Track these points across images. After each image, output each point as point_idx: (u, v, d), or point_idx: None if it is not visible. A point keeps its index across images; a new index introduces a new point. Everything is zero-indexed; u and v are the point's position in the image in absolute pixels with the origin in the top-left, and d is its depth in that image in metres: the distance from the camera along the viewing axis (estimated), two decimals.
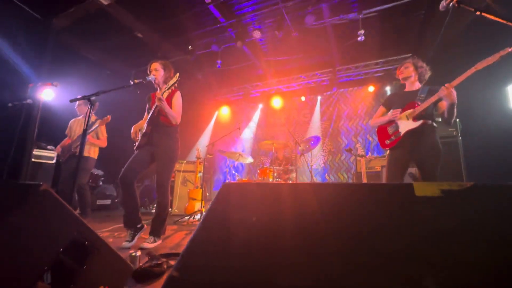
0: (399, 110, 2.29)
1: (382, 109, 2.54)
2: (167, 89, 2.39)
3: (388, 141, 2.35)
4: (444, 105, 2.07)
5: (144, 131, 2.43)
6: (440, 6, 1.37)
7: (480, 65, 1.77)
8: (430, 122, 2.16)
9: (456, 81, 1.94)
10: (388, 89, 5.98)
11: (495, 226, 0.38)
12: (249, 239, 0.49)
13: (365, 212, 0.45)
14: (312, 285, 0.40)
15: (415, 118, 2.16)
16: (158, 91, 2.58)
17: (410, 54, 5.55)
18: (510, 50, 1.57)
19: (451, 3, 1.29)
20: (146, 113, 2.63)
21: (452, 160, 3.50)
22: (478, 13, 1.13)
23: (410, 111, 2.21)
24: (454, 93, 1.96)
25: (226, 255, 0.47)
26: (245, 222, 0.51)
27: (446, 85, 1.97)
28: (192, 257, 0.49)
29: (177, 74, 2.42)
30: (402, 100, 2.33)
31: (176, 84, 2.43)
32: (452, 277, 0.35)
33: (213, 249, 0.49)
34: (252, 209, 0.52)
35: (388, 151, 2.41)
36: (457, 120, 3.54)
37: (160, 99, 2.30)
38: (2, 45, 3.84)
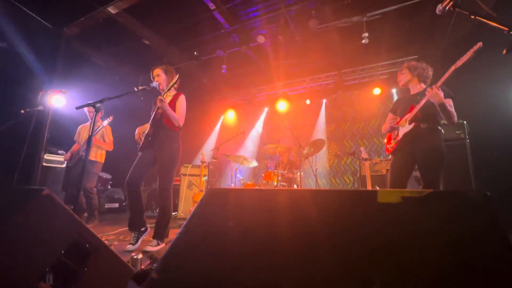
0: (399, 119, 2.31)
1: (390, 115, 2.53)
2: (168, 90, 2.44)
3: (390, 146, 2.35)
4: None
5: (146, 132, 2.47)
6: (437, 10, 1.37)
7: (459, 63, 1.85)
8: (425, 124, 2.13)
9: (440, 82, 1.97)
10: (394, 91, 5.91)
11: (447, 230, 0.39)
12: (226, 243, 0.51)
13: (332, 217, 0.47)
14: (276, 284, 0.42)
15: (410, 121, 2.16)
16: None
17: (417, 56, 5.48)
18: (481, 45, 1.66)
19: (447, 7, 1.29)
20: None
21: (460, 163, 3.43)
22: (472, 16, 1.12)
23: (409, 114, 2.21)
24: (440, 94, 1.95)
25: (204, 258, 0.49)
26: (223, 227, 0.53)
27: (433, 86, 1.98)
28: (172, 260, 0.51)
29: (177, 75, 2.47)
30: (406, 104, 2.32)
31: (176, 85, 2.50)
32: (399, 279, 0.36)
33: (192, 253, 0.51)
34: (231, 214, 0.54)
35: (390, 156, 2.40)
36: (464, 122, 3.47)
37: (160, 100, 2.34)
38: (16, 53, 4.01)
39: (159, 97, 2.37)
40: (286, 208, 0.50)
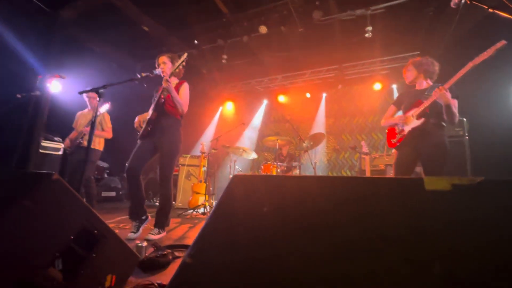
0: (405, 113, 2.30)
1: (392, 108, 2.53)
2: (176, 69, 2.40)
3: (394, 140, 2.35)
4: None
5: (148, 117, 2.42)
6: (452, 3, 1.35)
7: (478, 60, 1.79)
8: (434, 120, 2.14)
9: (450, 82, 1.95)
10: (394, 87, 5.92)
11: (502, 221, 0.39)
12: (258, 229, 0.50)
13: (375, 205, 0.46)
14: (319, 275, 0.41)
15: (419, 116, 2.16)
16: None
17: (418, 52, 5.47)
18: (505, 42, 1.60)
19: (463, 0, 1.28)
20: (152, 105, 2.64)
21: (458, 160, 3.48)
22: (490, 10, 1.11)
23: (415, 109, 2.20)
24: (447, 95, 1.96)
25: (235, 245, 0.49)
26: (254, 213, 0.52)
27: (440, 87, 1.97)
28: (204, 245, 0.50)
29: (185, 54, 2.42)
30: (411, 99, 2.32)
31: (184, 63, 2.47)
32: (459, 266, 0.36)
33: (223, 239, 0.51)
34: (262, 201, 0.54)
35: (394, 151, 2.41)
36: (464, 119, 3.51)
37: (166, 80, 2.30)
38: (10, 36, 3.88)
39: (165, 77, 2.31)
40: (324, 196, 0.49)
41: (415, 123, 2.19)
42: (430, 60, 2.31)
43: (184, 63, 2.41)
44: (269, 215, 0.51)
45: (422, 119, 2.15)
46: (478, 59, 1.80)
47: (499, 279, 0.33)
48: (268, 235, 0.48)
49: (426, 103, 2.11)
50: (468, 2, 1.24)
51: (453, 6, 1.34)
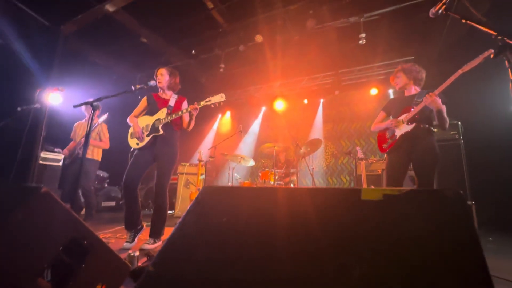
0: (395, 119, 2.34)
1: (382, 113, 2.58)
2: (205, 103, 2.50)
3: (385, 145, 2.37)
4: None
5: (159, 133, 2.46)
6: (430, 13, 1.40)
7: (466, 68, 1.85)
8: (425, 125, 2.18)
9: (440, 88, 2.00)
10: (391, 91, 5.96)
11: (424, 226, 0.42)
12: (220, 238, 0.53)
13: (320, 214, 0.49)
14: (269, 278, 0.44)
15: (409, 122, 2.20)
16: (162, 92, 2.66)
17: (413, 57, 5.53)
18: (492, 51, 1.63)
19: (439, 11, 1.32)
20: (140, 111, 2.67)
21: (454, 163, 3.48)
22: (463, 20, 1.15)
23: (405, 115, 2.24)
24: (438, 101, 2.01)
25: (199, 253, 0.52)
26: (218, 223, 0.55)
27: (430, 93, 2.03)
28: (168, 253, 0.53)
29: (223, 95, 2.49)
30: (400, 104, 2.36)
31: (176, 87, 2.56)
32: (375, 268, 0.39)
33: (188, 247, 0.53)
34: (225, 211, 0.57)
35: (385, 156, 2.44)
36: (459, 123, 3.53)
37: (196, 109, 2.44)
38: (12, 50, 3.99)
39: (195, 106, 2.44)
40: (279, 205, 0.53)
41: (406, 128, 2.22)
42: (418, 67, 2.37)
43: (220, 104, 2.53)
44: (229, 225, 0.54)
45: (413, 124, 2.18)
46: (467, 67, 1.86)
47: (410, 279, 0.36)
48: (227, 244, 0.51)
49: (417, 109, 2.15)
50: (444, 12, 1.28)
51: (431, 16, 1.39)
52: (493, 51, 1.68)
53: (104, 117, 3.37)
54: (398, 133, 2.26)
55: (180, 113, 2.47)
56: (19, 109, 3.32)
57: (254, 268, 0.46)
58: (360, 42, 4.58)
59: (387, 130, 2.40)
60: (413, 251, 0.39)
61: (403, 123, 2.24)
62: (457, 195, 0.43)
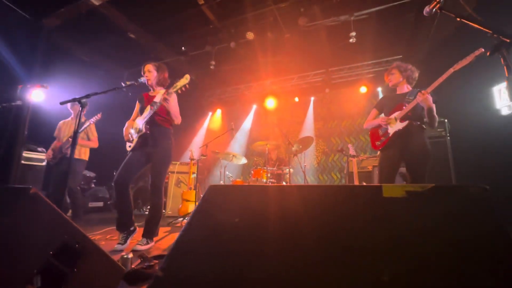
0: (387, 116, 2.37)
1: (374, 111, 2.61)
2: (175, 90, 2.36)
3: (379, 142, 2.41)
4: None
5: (142, 132, 2.39)
6: (424, 12, 1.41)
7: (458, 66, 1.89)
8: (417, 122, 2.23)
9: (432, 86, 2.05)
10: (380, 90, 6.07)
11: (450, 224, 0.42)
12: (231, 239, 0.51)
13: (339, 212, 0.48)
14: (289, 279, 0.42)
15: (402, 119, 2.23)
16: (152, 91, 2.58)
17: (401, 56, 5.65)
18: (483, 50, 1.69)
19: (434, 9, 1.34)
20: (137, 113, 2.61)
21: (440, 160, 3.58)
22: (458, 19, 1.17)
23: (397, 112, 2.28)
24: (430, 99, 2.06)
25: (209, 255, 0.49)
26: (228, 223, 0.53)
27: (422, 91, 2.07)
28: (177, 257, 0.51)
29: (187, 76, 2.40)
30: (393, 102, 2.40)
31: (166, 83, 2.47)
32: (406, 271, 0.38)
33: (197, 250, 0.51)
34: (235, 211, 0.55)
35: (379, 152, 2.47)
36: (445, 120, 3.63)
37: (166, 99, 2.30)
38: None
39: (164, 95, 2.29)
40: (295, 204, 0.51)
41: (398, 125, 2.26)
42: (412, 67, 2.43)
43: (186, 87, 2.41)
44: (242, 225, 0.52)
45: (406, 122, 2.22)
46: (458, 66, 1.90)
47: (445, 282, 0.36)
48: (241, 246, 0.49)
49: (409, 107, 2.19)
50: (439, 11, 1.30)
51: (425, 14, 1.41)
52: (483, 50, 1.74)
53: (97, 117, 3.23)
54: (391, 130, 2.30)
55: (154, 107, 2.35)
56: None
57: (270, 273, 0.44)
58: (351, 40, 4.63)
59: (380, 127, 2.44)
60: (444, 251, 0.39)
61: (396, 120, 2.28)
62: (483, 191, 0.42)
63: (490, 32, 1.03)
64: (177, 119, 2.48)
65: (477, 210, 0.41)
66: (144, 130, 2.38)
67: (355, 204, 0.47)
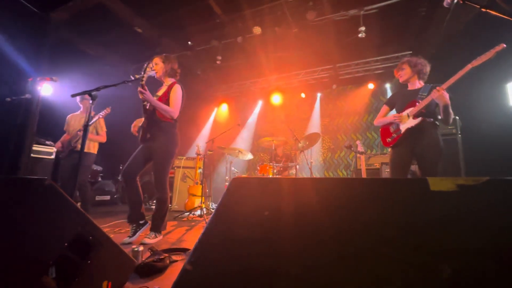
0: (400, 113, 2.32)
1: (385, 108, 2.56)
2: (144, 74, 2.21)
3: (390, 139, 2.37)
4: None
5: (141, 124, 2.42)
6: (445, 3, 1.36)
7: (476, 62, 1.81)
8: (430, 119, 2.18)
9: (448, 83, 1.98)
10: (388, 86, 5.98)
11: (507, 219, 0.39)
12: (259, 233, 0.49)
13: (380, 207, 0.46)
14: (320, 280, 0.40)
15: (415, 116, 2.18)
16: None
17: (411, 52, 5.54)
18: (504, 46, 1.62)
19: (455, 0, 1.29)
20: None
21: (451, 158, 3.53)
22: (483, 9, 1.13)
23: (410, 109, 2.23)
24: (446, 95, 2.00)
25: (236, 249, 0.48)
26: (255, 216, 0.51)
27: (438, 88, 2.01)
28: (204, 250, 0.49)
29: (151, 66, 2.36)
30: (405, 99, 2.35)
31: (177, 74, 2.46)
32: (467, 265, 0.36)
33: (223, 243, 0.49)
34: (263, 204, 0.53)
35: (390, 149, 2.43)
36: (457, 118, 3.56)
37: (140, 92, 2.17)
38: (0, 38, 3.80)
39: (139, 88, 2.17)
40: (326, 198, 0.49)
41: (411, 122, 2.21)
42: (424, 61, 2.34)
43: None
44: (271, 219, 0.50)
45: (419, 118, 2.17)
46: (477, 62, 1.82)
47: (506, 278, 0.33)
48: (269, 239, 0.48)
49: (423, 103, 2.14)
50: (461, 1, 1.25)
51: (446, 6, 1.36)
52: (505, 45, 1.67)
53: (106, 111, 3.24)
54: (403, 127, 2.25)
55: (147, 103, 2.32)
56: (8, 99, 3.17)
57: (300, 267, 0.42)
58: (360, 35, 4.54)
59: (391, 124, 2.39)
60: (507, 249, 0.36)
61: (408, 117, 2.23)
62: None
63: None
64: (168, 113, 2.35)
65: None
66: (141, 123, 2.39)
67: (398, 198, 0.45)
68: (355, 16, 4.64)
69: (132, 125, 2.58)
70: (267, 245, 0.47)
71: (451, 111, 2.07)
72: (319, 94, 6.67)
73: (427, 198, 0.43)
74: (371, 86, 5.88)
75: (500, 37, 2.12)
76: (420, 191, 0.44)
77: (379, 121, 2.52)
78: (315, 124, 6.50)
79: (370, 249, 0.42)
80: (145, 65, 2.28)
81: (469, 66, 1.85)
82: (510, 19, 1.03)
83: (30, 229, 0.91)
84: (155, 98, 2.36)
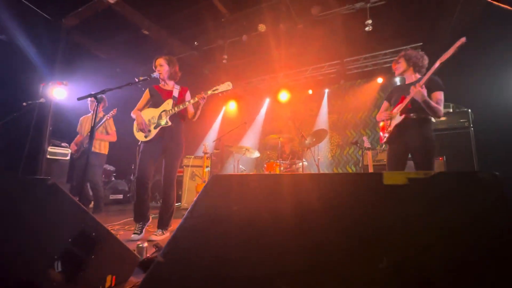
0: (391, 110, 2.36)
1: (385, 103, 2.57)
2: (213, 92, 2.49)
3: (384, 136, 2.39)
4: (434, 97, 2.09)
5: (168, 125, 2.45)
6: None
7: (443, 58, 1.94)
8: (416, 115, 2.15)
9: (423, 80, 2.05)
10: (397, 80, 5.82)
11: (453, 212, 0.39)
12: (231, 227, 0.51)
13: (338, 199, 0.47)
14: (285, 269, 0.42)
15: (402, 112, 2.19)
16: (163, 84, 2.62)
17: (421, 43, 5.36)
18: (464, 40, 1.79)
19: None
20: (144, 104, 2.65)
21: (464, 151, 3.42)
22: None
23: (399, 105, 2.24)
24: (422, 92, 2.01)
25: (209, 243, 0.50)
26: (227, 212, 0.54)
27: (416, 84, 2.04)
28: (178, 244, 0.52)
29: (230, 83, 2.46)
30: (399, 93, 2.36)
31: (177, 76, 2.54)
32: (404, 258, 0.37)
33: (197, 237, 0.52)
34: (235, 200, 0.55)
35: (387, 146, 2.46)
36: (469, 110, 3.43)
37: (204, 98, 2.43)
38: (15, 46, 3.99)
39: (203, 95, 2.43)
40: (290, 192, 0.51)
41: (397, 119, 2.24)
42: (420, 53, 2.32)
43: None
44: (240, 214, 0.52)
45: (403, 116, 2.19)
46: (443, 57, 1.94)
47: (446, 272, 0.34)
48: (239, 234, 0.50)
49: (407, 99, 2.14)
50: None
51: None
52: (465, 39, 1.76)
53: (112, 113, 3.36)
54: (393, 124, 2.28)
55: (187, 103, 2.46)
56: (24, 104, 3.34)
57: (268, 261, 0.44)
58: (367, 29, 4.44)
59: (387, 120, 2.40)
60: (448, 240, 0.37)
61: (396, 114, 2.24)
62: (493, 178, 0.39)
63: None
64: (197, 116, 2.60)
65: (487, 198, 0.39)
66: (169, 123, 2.44)
67: (355, 191, 0.46)
68: (362, 9, 4.54)
69: (137, 115, 2.63)
70: (237, 239, 0.49)
71: (433, 105, 2.03)
72: (326, 90, 6.59)
73: (380, 191, 0.44)
74: (380, 80, 5.75)
75: (510, 28, 2.04)
76: (374, 185, 0.45)
77: (379, 117, 2.52)
78: (322, 121, 6.44)
79: (322, 240, 0.43)
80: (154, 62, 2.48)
81: (438, 62, 1.93)
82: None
83: (35, 226, 0.97)
84: (176, 100, 2.52)
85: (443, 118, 3.62)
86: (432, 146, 2.10)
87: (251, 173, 4.65)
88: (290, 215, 0.48)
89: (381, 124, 2.48)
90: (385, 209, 0.42)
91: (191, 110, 2.60)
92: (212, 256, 0.48)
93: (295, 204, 0.49)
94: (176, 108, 2.45)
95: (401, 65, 2.33)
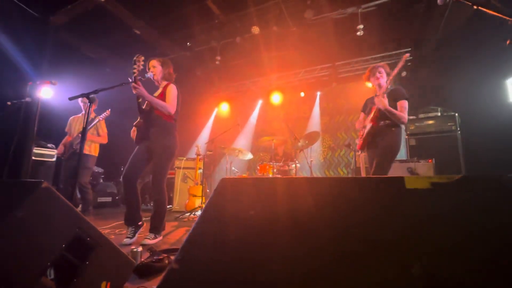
0: (365, 121, 2.54)
1: (362, 113, 2.71)
2: (134, 67, 2.28)
3: (359, 143, 2.57)
4: (399, 105, 2.25)
5: (136, 124, 2.42)
6: (439, 1, 1.37)
7: (393, 73, 2.17)
8: (384, 123, 2.29)
9: (382, 90, 2.25)
10: None
11: (480, 216, 0.40)
12: (246, 232, 0.50)
13: (358, 204, 0.47)
14: (304, 275, 0.41)
15: (370, 121, 2.34)
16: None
17: (410, 48, 5.52)
18: (408, 55, 2.01)
19: None
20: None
21: (451, 154, 3.52)
22: (475, 7, 1.13)
23: (370, 115, 2.37)
24: (384, 101, 2.17)
25: (223, 248, 0.49)
26: (242, 216, 0.52)
27: (378, 94, 2.24)
28: (191, 249, 0.50)
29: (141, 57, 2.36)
30: (371, 104, 2.48)
31: (171, 77, 2.50)
32: (439, 265, 0.37)
33: (211, 242, 0.51)
34: (249, 203, 0.54)
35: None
36: (456, 114, 3.55)
37: (133, 87, 2.22)
38: (1, 42, 3.83)
39: (132, 84, 2.20)
40: (311, 197, 0.50)
41: (367, 128, 2.39)
42: (379, 64, 2.52)
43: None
44: (256, 218, 0.51)
45: (370, 124, 2.33)
46: (393, 73, 2.18)
47: (479, 276, 0.34)
48: (255, 238, 0.48)
49: (374, 108, 2.30)
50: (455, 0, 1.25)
51: (439, 4, 1.36)
52: (408, 55, 1.89)
53: (106, 114, 3.27)
54: (365, 132, 2.43)
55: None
56: (9, 103, 3.20)
57: (285, 266, 0.43)
58: (358, 33, 4.53)
59: (363, 129, 2.56)
60: (477, 246, 0.37)
61: (367, 123, 2.41)
62: None
63: (510, 19, 0.98)
64: (164, 108, 2.36)
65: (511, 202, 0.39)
66: (137, 123, 2.41)
67: (375, 196, 0.46)
68: (354, 14, 4.64)
69: (132, 130, 2.58)
70: (253, 244, 0.48)
71: (395, 113, 2.18)
72: (318, 93, 6.66)
73: (402, 196, 0.44)
74: (370, 84, 5.85)
75: (497, 34, 2.12)
76: (396, 189, 0.45)
77: (357, 125, 2.70)
78: (315, 123, 6.50)
79: (350, 247, 0.43)
80: (135, 58, 2.30)
81: (390, 78, 2.16)
82: (502, 16, 1.03)
83: (28, 231, 0.93)
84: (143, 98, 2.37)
85: (430, 122, 3.76)
86: (395, 152, 2.24)
87: (259, 176, 4.62)
88: (309, 219, 0.48)
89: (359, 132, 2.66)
90: (409, 213, 0.42)
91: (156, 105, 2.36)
92: (228, 262, 0.46)
93: (311, 208, 0.48)
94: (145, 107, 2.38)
95: (383, 77, 2.45)
